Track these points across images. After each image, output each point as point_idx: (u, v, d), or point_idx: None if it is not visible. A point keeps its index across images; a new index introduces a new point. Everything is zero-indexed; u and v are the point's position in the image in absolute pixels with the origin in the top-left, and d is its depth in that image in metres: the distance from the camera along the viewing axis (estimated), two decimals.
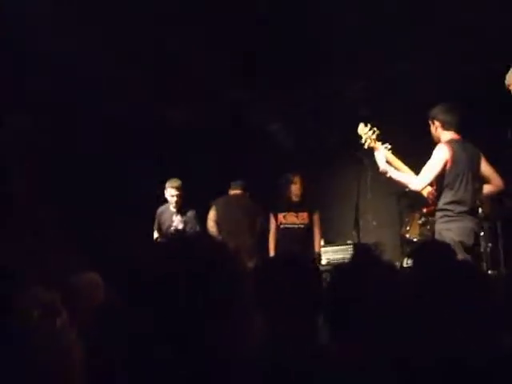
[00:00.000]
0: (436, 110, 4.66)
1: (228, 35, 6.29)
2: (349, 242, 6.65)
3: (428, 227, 4.71)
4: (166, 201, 6.37)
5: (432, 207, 4.65)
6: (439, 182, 4.56)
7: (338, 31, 6.10)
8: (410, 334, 1.77)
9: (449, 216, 4.50)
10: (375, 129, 4.82)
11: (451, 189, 4.50)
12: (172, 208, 6.33)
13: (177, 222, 6.26)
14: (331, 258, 6.65)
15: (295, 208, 6.43)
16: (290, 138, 7.42)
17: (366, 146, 4.82)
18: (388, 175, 4.63)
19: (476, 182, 4.63)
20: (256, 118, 7.33)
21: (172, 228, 6.20)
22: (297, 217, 6.41)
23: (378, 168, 4.71)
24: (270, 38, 6.34)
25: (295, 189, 6.42)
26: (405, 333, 1.76)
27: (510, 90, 4.36)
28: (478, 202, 6.07)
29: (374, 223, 6.65)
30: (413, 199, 5.55)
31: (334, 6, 5.87)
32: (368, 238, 6.09)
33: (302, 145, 7.48)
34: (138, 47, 6.35)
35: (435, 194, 4.61)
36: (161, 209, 6.43)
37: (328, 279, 2.05)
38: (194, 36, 6.32)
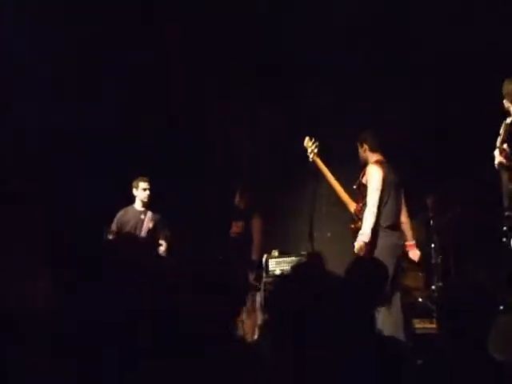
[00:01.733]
0: (364, 135, 5.11)
1: (228, 35, 6.41)
2: (303, 252, 6.51)
3: (353, 242, 4.89)
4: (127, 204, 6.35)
5: (359, 223, 4.91)
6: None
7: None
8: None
9: (380, 230, 4.82)
10: (317, 143, 5.30)
11: (381, 205, 4.82)
12: (139, 207, 6.25)
13: (147, 220, 6.19)
14: (285, 268, 6.59)
15: (236, 217, 6.36)
16: (250, 148, 7.47)
17: (310, 159, 5.30)
18: (367, 240, 4.78)
19: (400, 198, 5.02)
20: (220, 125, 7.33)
21: (143, 228, 6.16)
22: (236, 226, 6.34)
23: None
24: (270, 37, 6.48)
25: (237, 197, 6.37)
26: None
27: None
28: (430, 214, 6.31)
29: (329, 235, 6.77)
30: None
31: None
32: (322, 250, 6.19)
33: (262, 156, 7.50)
34: (137, 47, 6.46)
35: (361, 210, 4.92)
36: (121, 211, 6.28)
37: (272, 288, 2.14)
38: (194, 36, 6.43)
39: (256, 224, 6.25)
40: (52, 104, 6.57)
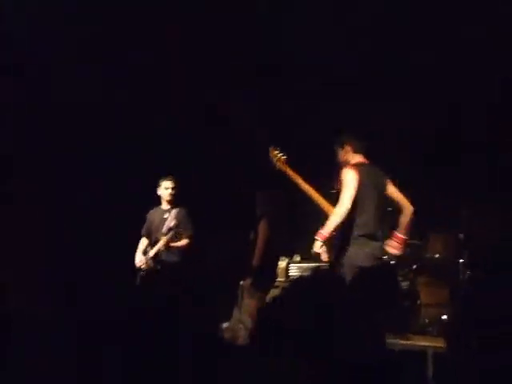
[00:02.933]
0: (347, 136, 4.91)
1: (228, 35, 6.40)
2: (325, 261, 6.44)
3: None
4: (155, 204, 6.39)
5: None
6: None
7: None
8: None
9: (353, 239, 4.61)
10: (283, 153, 5.12)
11: (356, 212, 4.60)
12: (164, 206, 6.29)
13: (170, 219, 6.15)
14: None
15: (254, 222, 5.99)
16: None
17: (276, 168, 5.10)
18: (323, 239, 4.56)
19: (380, 205, 4.76)
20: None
21: (164, 226, 6.13)
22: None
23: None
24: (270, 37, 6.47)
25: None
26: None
27: None
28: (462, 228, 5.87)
29: None
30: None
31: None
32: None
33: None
34: (137, 47, 6.47)
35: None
36: (151, 211, 6.37)
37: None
38: (194, 36, 6.43)
39: (262, 228, 5.79)
40: (52, 104, 6.58)
